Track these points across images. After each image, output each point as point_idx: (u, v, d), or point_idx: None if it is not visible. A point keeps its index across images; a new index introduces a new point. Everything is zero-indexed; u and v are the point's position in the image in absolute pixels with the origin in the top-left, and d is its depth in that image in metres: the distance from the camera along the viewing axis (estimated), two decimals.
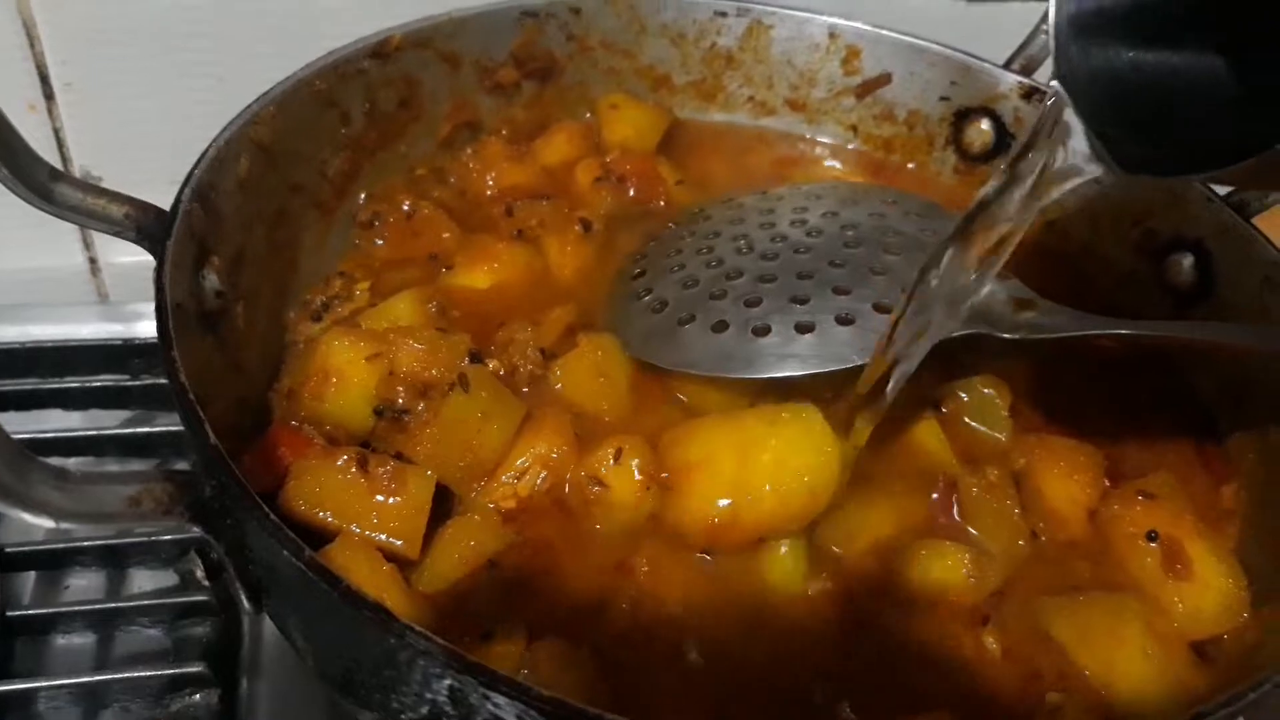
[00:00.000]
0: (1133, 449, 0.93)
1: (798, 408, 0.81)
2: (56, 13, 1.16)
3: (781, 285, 0.91)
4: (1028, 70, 1.16)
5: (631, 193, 1.13)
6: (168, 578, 1.01)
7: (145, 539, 1.00)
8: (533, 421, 0.85)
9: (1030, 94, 1.14)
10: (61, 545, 0.99)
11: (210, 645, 0.94)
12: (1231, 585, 0.81)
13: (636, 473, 0.82)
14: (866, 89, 1.22)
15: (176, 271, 0.77)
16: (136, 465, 1.08)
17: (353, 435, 0.84)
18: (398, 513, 0.77)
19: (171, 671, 0.90)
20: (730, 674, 0.75)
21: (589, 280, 1.03)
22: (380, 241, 1.06)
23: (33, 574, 1.00)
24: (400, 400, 0.84)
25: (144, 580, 1.01)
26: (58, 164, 1.24)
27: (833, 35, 1.21)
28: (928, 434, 0.89)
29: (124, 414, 1.14)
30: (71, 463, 1.07)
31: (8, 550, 0.97)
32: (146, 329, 0.73)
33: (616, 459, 0.82)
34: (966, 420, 0.92)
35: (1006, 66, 1.16)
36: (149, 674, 0.90)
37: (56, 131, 1.23)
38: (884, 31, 1.20)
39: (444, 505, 0.81)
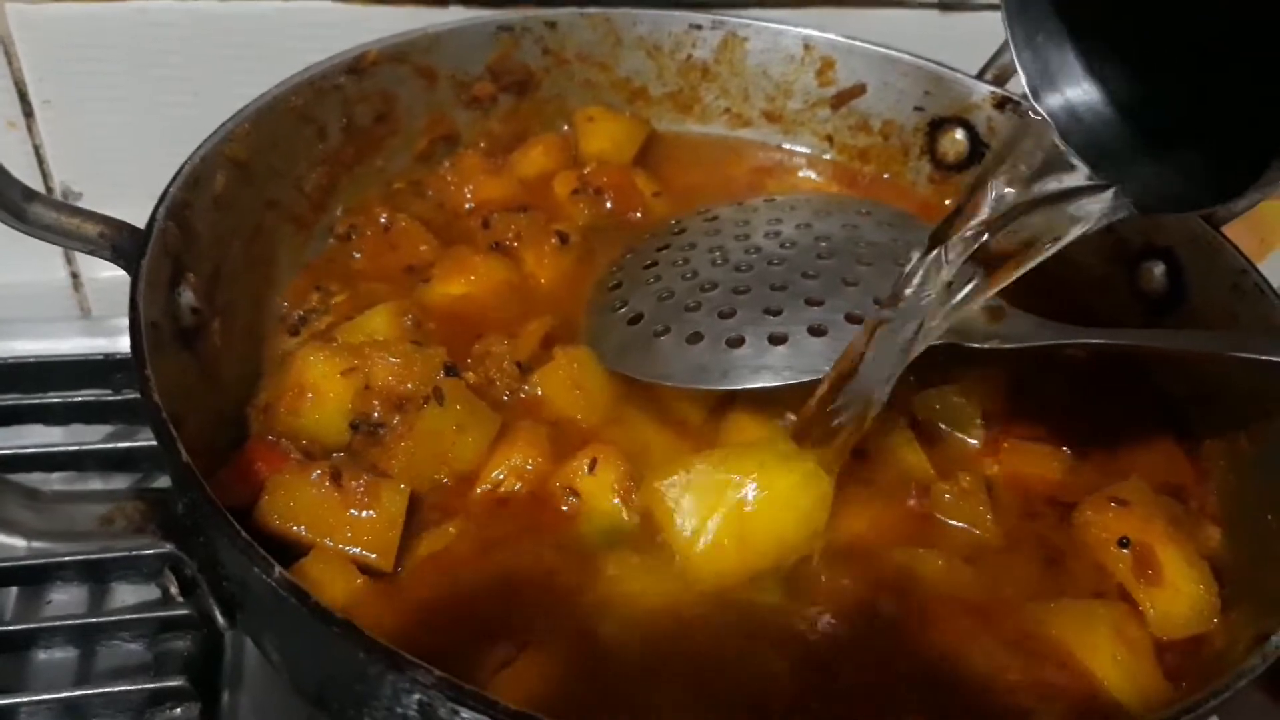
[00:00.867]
0: (1106, 454, 0.94)
1: (788, 454, 0.81)
2: (35, 30, 1.16)
3: (755, 297, 0.92)
4: (1001, 80, 1.16)
5: (609, 205, 1.13)
6: (149, 592, 1.00)
7: (126, 554, 1.00)
8: (508, 434, 0.86)
9: (1003, 104, 1.15)
10: (43, 560, 0.99)
11: (191, 659, 0.94)
12: (1202, 590, 0.82)
13: (612, 482, 0.83)
14: (841, 100, 1.23)
15: (151, 290, 0.78)
16: (118, 481, 1.08)
17: (328, 449, 0.85)
18: (371, 526, 0.77)
19: (153, 686, 0.90)
20: (711, 686, 0.75)
21: (566, 292, 1.03)
22: (357, 255, 1.06)
23: (14, 589, 1.00)
24: (376, 414, 0.84)
25: (126, 595, 1.01)
26: (37, 180, 1.25)
27: (807, 47, 1.22)
28: (902, 442, 0.90)
29: (106, 429, 1.14)
30: (53, 478, 1.07)
31: None
32: (128, 344, 0.74)
33: (591, 469, 0.83)
34: (940, 426, 0.93)
35: (980, 76, 1.17)
36: (130, 688, 0.90)
37: (36, 148, 1.24)
38: (858, 43, 1.21)
39: (418, 516, 0.81)
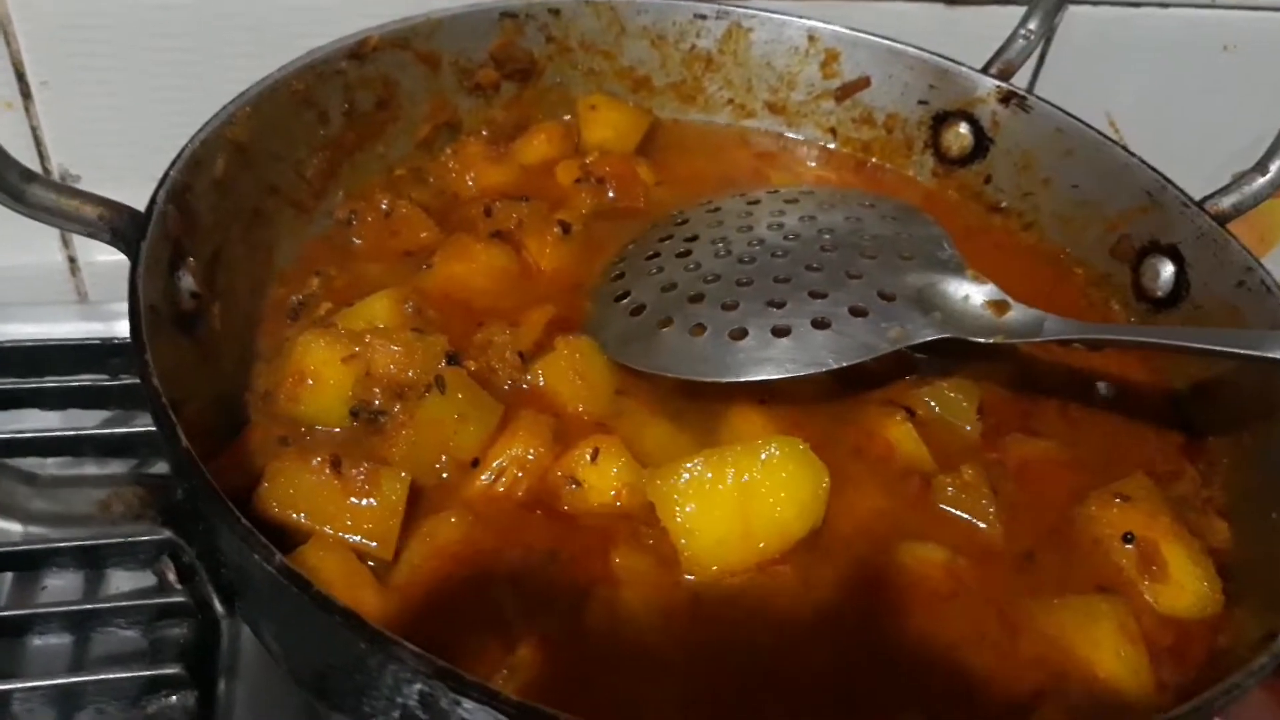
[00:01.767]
0: (1110, 449, 0.94)
1: (787, 447, 0.81)
2: (33, 10, 1.16)
3: (758, 289, 0.92)
4: (1006, 74, 1.16)
5: (611, 194, 1.13)
6: (145, 579, 1.00)
7: (123, 540, 0.99)
8: (510, 423, 0.85)
9: (1008, 98, 1.15)
10: (39, 546, 0.98)
11: (187, 647, 0.93)
12: (1206, 587, 0.82)
13: (614, 472, 0.82)
14: (845, 92, 1.23)
15: (151, 273, 0.77)
16: (115, 466, 1.08)
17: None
18: (372, 514, 0.77)
19: (148, 673, 0.90)
20: (711, 679, 0.75)
21: (568, 281, 1.03)
22: (358, 240, 1.05)
23: (9, 575, 0.99)
24: (377, 402, 0.84)
25: (122, 581, 1.00)
26: (35, 162, 1.24)
27: (812, 38, 1.22)
28: (902, 434, 0.90)
29: (102, 414, 1.14)
30: (49, 463, 1.07)
31: None
32: (125, 328, 0.73)
33: (593, 459, 0.83)
34: (937, 413, 0.93)
35: (985, 71, 1.17)
36: (126, 675, 0.89)
37: (34, 129, 1.23)
38: (862, 35, 1.20)
39: (418, 505, 0.81)
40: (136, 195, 0.83)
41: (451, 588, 0.77)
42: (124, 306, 0.75)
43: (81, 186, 0.81)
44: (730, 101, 1.27)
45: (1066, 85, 1.44)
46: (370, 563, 0.76)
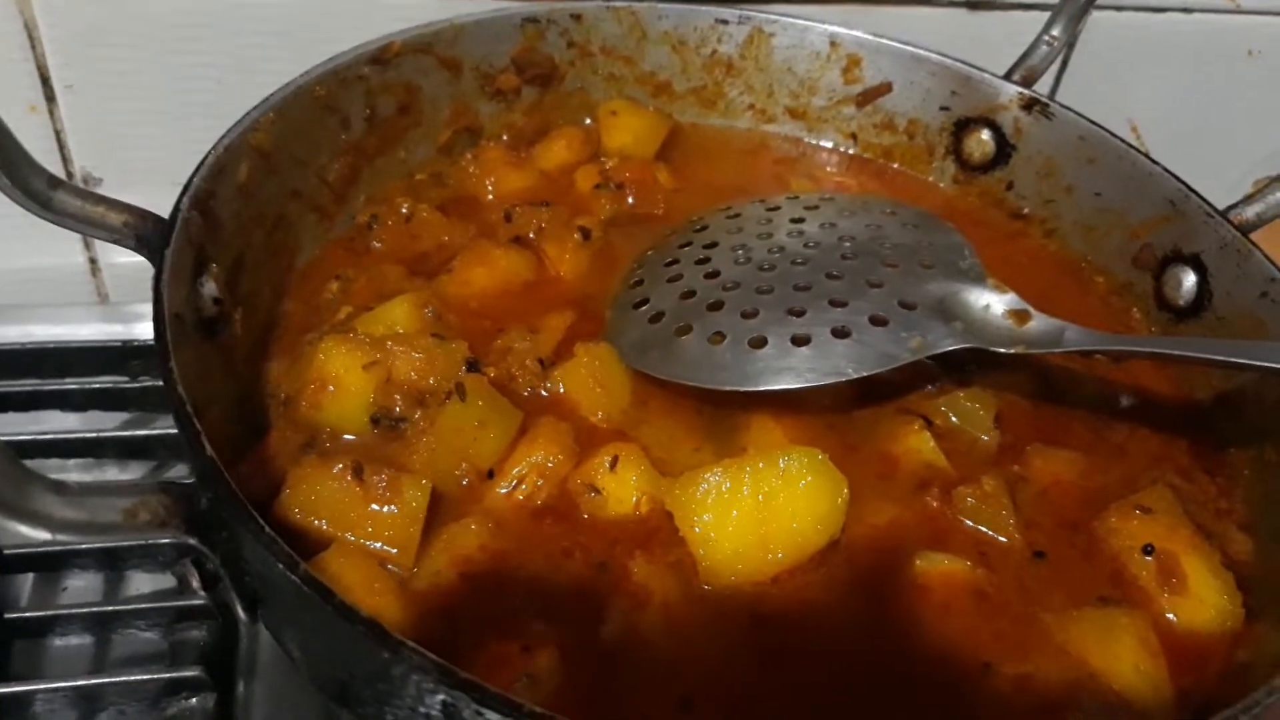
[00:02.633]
0: (1131, 460, 0.93)
1: (806, 458, 0.81)
2: (58, 14, 1.16)
3: (778, 297, 0.92)
4: (1028, 81, 1.16)
5: (631, 199, 1.13)
6: (165, 580, 1.00)
7: (143, 542, 1.00)
8: (529, 430, 0.85)
9: (1031, 105, 1.14)
10: (60, 548, 0.99)
11: (207, 649, 0.94)
12: (1226, 601, 0.81)
13: (633, 480, 0.82)
14: (867, 98, 1.23)
15: (175, 280, 0.78)
16: (135, 468, 1.09)
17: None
18: (393, 521, 0.77)
19: (168, 675, 0.90)
20: (729, 686, 0.75)
21: (587, 287, 1.03)
22: (378, 244, 1.06)
23: (31, 576, 1.00)
24: (398, 408, 0.84)
25: (142, 583, 1.01)
26: (58, 165, 1.25)
27: (833, 44, 1.21)
28: (920, 443, 0.90)
29: (123, 416, 1.14)
30: (70, 464, 1.08)
31: (6, 552, 0.97)
32: (146, 330, 0.73)
33: (612, 466, 0.83)
34: (955, 423, 0.92)
35: (1007, 77, 1.16)
36: (146, 677, 0.90)
37: (58, 133, 1.24)
38: (885, 40, 1.20)
39: (438, 513, 0.81)
40: (159, 198, 0.83)
41: (471, 594, 0.77)
42: (145, 308, 0.75)
43: (103, 190, 0.82)
44: (751, 106, 1.27)
45: (1089, 91, 1.44)
46: (391, 568, 0.77)
